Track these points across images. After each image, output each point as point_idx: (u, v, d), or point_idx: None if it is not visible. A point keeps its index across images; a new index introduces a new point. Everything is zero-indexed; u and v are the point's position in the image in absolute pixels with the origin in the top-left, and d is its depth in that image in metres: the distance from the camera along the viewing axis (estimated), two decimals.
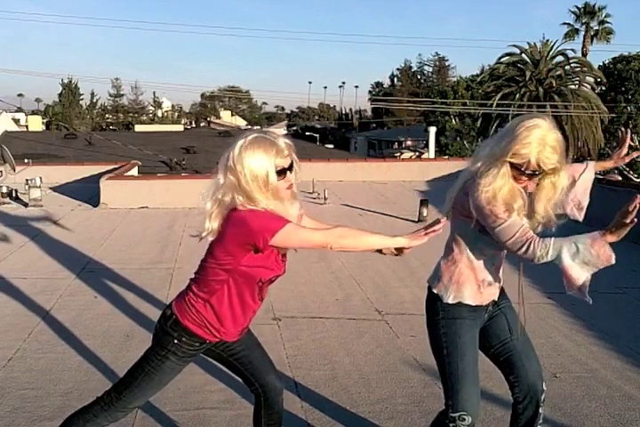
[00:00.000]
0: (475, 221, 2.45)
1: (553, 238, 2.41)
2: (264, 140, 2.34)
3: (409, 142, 44.69)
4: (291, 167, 2.41)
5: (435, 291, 2.59)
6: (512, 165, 2.37)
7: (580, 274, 2.37)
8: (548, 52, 30.88)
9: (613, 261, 2.40)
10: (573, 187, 2.71)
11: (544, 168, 2.36)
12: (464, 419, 2.50)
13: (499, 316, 2.69)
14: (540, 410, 2.64)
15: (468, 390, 2.52)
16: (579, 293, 2.37)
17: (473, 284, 2.56)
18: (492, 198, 2.37)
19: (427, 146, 27.67)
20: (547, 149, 2.32)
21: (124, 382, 2.49)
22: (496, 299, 2.67)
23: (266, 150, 2.31)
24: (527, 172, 2.36)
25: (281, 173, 2.35)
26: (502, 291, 2.76)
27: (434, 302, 2.60)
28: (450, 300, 2.55)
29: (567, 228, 2.66)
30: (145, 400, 2.57)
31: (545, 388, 2.67)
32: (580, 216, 2.83)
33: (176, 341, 2.41)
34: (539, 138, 2.32)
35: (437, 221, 2.41)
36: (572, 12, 41.87)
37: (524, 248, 2.40)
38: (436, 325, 2.58)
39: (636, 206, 2.28)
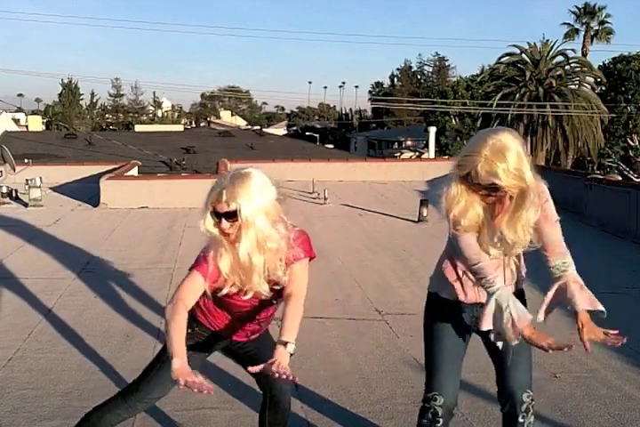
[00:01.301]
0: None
1: (502, 286, 2.42)
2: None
3: (409, 142, 44.68)
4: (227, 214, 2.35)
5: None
6: (462, 177, 2.36)
7: (489, 323, 2.40)
8: (548, 52, 30.88)
9: (516, 342, 2.43)
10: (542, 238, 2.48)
11: (480, 182, 2.30)
12: (436, 399, 2.56)
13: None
14: (521, 419, 2.56)
15: (443, 375, 2.58)
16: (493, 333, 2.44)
17: (453, 280, 2.59)
18: (447, 208, 2.41)
19: (427, 146, 27.65)
20: (488, 163, 2.26)
21: (144, 373, 2.61)
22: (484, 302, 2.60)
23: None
24: (479, 184, 2.31)
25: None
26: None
27: (428, 293, 2.74)
28: (431, 289, 2.69)
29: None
30: (164, 392, 2.60)
31: (527, 399, 2.57)
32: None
33: (189, 330, 2.48)
34: (482, 150, 2.27)
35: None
36: (572, 12, 41.89)
37: (474, 269, 2.43)
38: (424, 313, 2.72)
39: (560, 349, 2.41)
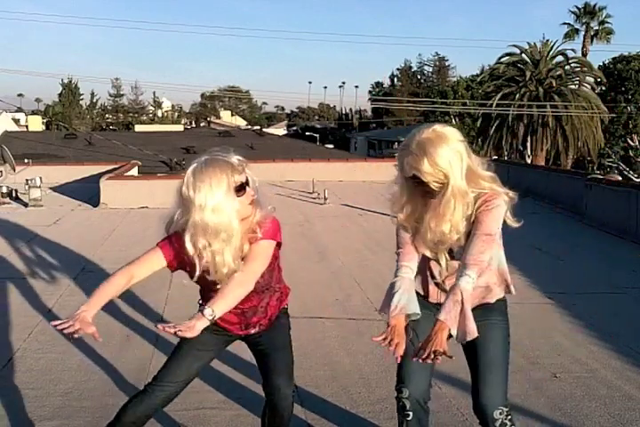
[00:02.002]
0: None
1: (404, 276, 2.51)
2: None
3: None
4: None
5: None
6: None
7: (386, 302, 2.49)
8: (548, 52, 30.88)
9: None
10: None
11: (405, 175, 2.37)
12: (402, 391, 2.60)
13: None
14: None
15: (407, 368, 2.58)
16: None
17: (424, 276, 2.64)
18: (391, 203, 2.54)
19: None
20: (413, 157, 2.31)
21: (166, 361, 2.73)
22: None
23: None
24: (411, 178, 2.37)
25: None
26: (487, 308, 2.62)
27: None
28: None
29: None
30: (175, 376, 2.68)
31: (499, 416, 2.51)
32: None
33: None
34: (411, 144, 2.34)
35: None
36: (572, 12, 41.93)
37: (396, 255, 2.57)
38: None
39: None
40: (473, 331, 2.33)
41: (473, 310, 2.43)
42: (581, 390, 3.87)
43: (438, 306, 2.48)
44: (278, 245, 2.56)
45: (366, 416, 3.51)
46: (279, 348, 2.70)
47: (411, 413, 2.60)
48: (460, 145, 2.38)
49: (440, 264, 2.56)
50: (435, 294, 2.63)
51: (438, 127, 2.40)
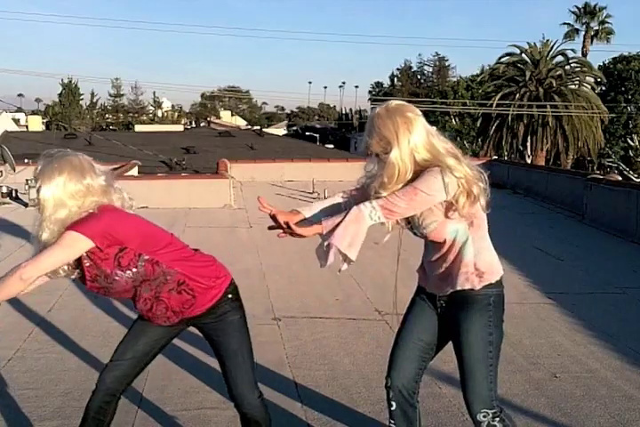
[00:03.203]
0: None
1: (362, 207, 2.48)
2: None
3: None
4: None
5: None
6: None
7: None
8: (548, 52, 30.87)
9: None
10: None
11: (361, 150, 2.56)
12: (386, 380, 2.67)
13: (453, 322, 2.58)
14: None
15: (393, 358, 2.68)
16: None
17: (420, 267, 2.75)
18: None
19: None
20: (365, 131, 2.51)
21: None
22: (438, 293, 2.61)
23: None
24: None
25: None
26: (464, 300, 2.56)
27: None
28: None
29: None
30: (124, 354, 2.68)
31: (483, 419, 2.49)
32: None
33: None
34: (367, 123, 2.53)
35: None
36: (572, 12, 41.94)
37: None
38: None
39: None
40: (337, 239, 2.40)
41: (448, 297, 2.56)
42: (581, 390, 3.87)
43: (443, 297, 2.58)
44: (111, 239, 2.44)
45: (366, 416, 3.51)
46: (232, 355, 2.65)
47: (394, 403, 2.64)
48: (411, 117, 2.43)
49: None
50: (433, 285, 2.66)
51: (393, 104, 2.50)
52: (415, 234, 2.58)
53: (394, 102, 2.51)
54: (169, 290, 2.55)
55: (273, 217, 2.52)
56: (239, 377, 2.65)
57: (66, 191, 2.41)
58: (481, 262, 2.51)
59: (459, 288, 2.52)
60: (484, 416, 2.50)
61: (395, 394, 2.63)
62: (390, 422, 2.69)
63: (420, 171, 2.42)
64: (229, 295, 2.66)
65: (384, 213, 2.41)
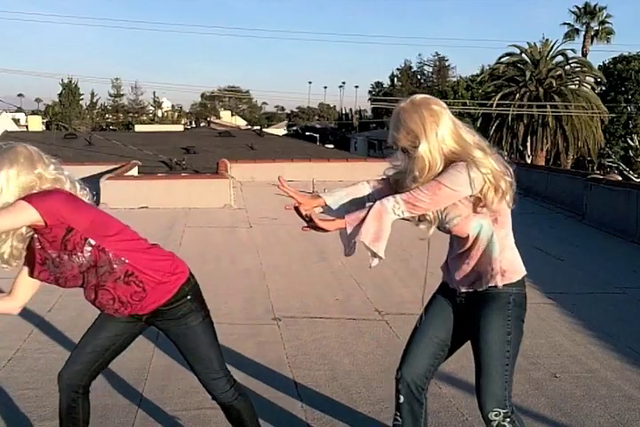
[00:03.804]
0: None
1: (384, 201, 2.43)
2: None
3: None
4: None
5: None
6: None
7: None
8: (548, 52, 30.91)
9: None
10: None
11: (389, 144, 2.53)
12: (397, 373, 2.68)
13: (470, 321, 2.57)
14: None
15: (406, 353, 2.69)
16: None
17: (444, 263, 2.71)
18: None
19: None
20: (390, 124, 2.50)
21: None
22: (459, 289, 2.59)
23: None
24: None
25: None
26: (482, 297, 2.55)
27: None
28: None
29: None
30: (83, 348, 2.77)
31: (495, 418, 2.49)
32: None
33: None
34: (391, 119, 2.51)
35: None
36: (572, 12, 41.94)
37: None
38: None
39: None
40: (363, 235, 2.36)
41: (468, 294, 2.55)
42: (581, 390, 3.87)
43: (462, 294, 2.57)
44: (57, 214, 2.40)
45: (366, 416, 3.50)
46: (201, 358, 2.65)
47: (402, 396, 2.64)
48: (437, 110, 2.43)
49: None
50: (446, 276, 2.67)
51: (418, 97, 2.49)
52: (439, 228, 2.55)
53: (419, 96, 2.50)
54: (115, 279, 2.51)
55: (296, 209, 2.48)
56: (205, 367, 2.67)
57: (19, 183, 2.40)
58: (504, 260, 2.51)
59: (481, 286, 2.52)
60: (496, 415, 2.49)
61: (403, 387, 2.63)
62: (396, 415, 2.69)
63: (449, 163, 2.41)
64: (188, 296, 2.60)
65: (407, 208, 2.38)
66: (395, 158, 2.58)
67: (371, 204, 2.41)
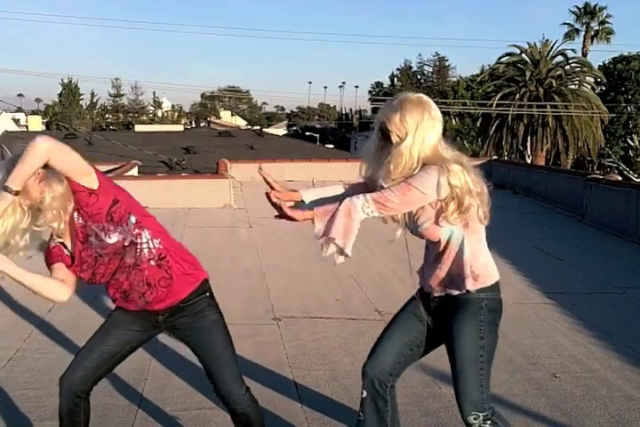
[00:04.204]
0: None
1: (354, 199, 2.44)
2: None
3: None
4: None
5: None
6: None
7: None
8: (548, 52, 30.90)
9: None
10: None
11: (375, 123, 2.53)
12: (364, 371, 2.69)
13: (443, 326, 2.58)
14: None
15: (374, 348, 2.71)
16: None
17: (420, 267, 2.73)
18: None
19: None
20: (388, 106, 2.49)
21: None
22: (433, 293, 2.60)
23: None
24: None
25: None
26: (455, 303, 2.56)
27: None
28: None
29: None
30: (90, 353, 2.64)
31: (474, 421, 2.48)
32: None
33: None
34: (393, 99, 2.50)
35: None
36: (572, 12, 41.94)
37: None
38: None
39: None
40: (333, 231, 2.36)
41: (441, 298, 2.57)
42: (581, 390, 3.87)
43: (435, 299, 2.60)
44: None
45: None
46: (218, 354, 2.61)
47: (364, 391, 2.66)
48: (436, 120, 2.44)
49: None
50: (421, 280, 2.71)
51: (425, 97, 2.49)
52: (412, 232, 2.57)
53: (426, 97, 2.50)
54: (149, 260, 2.48)
55: (267, 195, 2.49)
56: (226, 374, 2.62)
57: None
58: (476, 265, 2.49)
59: (453, 290, 2.52)
60: (475, 419, 2.48)
61: (367, 383, 2.64)
62: (359, 411, 2.69)
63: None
64: (207, 293, 2.62)
65: (377, 208, 2.38)
66: (369, 143, 2.56)
67: (341, 201, 2.40)
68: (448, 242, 2.50)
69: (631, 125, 34.53)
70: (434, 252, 2.57)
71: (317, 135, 51.66)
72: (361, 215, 2.38)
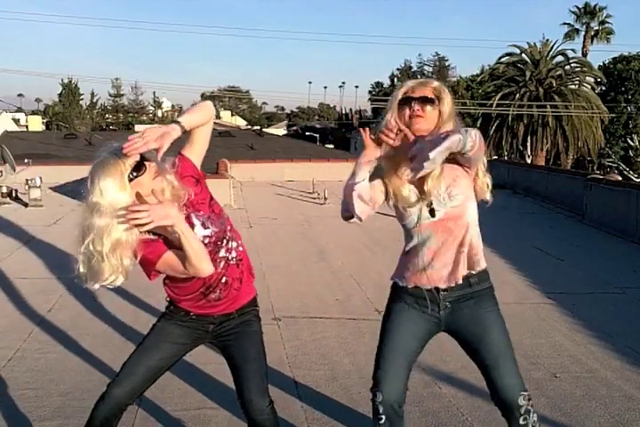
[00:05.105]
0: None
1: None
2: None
3: None
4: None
5: None
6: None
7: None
8: (548, 52, 30.91)
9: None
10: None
11: (415, 90, 2.55)
12: (376, 395, 2.57)
13: (470, 320, 2.55)
14: (522, 421, 2.52)
15: (384, 370, 2.59)
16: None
17: (404, 265, 2.60)
18: None
19: None
20: (437, 82, 2.58)
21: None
22: (441, 286, 2.51)
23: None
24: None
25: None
26: (483, 294, 2.56)
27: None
28: (392, 277, 2.66)
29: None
30: (137, 367, 2.56)
31: (524, 402, 2.52)
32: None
33: (167, 310, 2.65)
34: (428, 79, 2.62)
35: None
36: (572, 12, 41.91)
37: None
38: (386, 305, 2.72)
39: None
40: (429, 158, 2.23)
41: (455, 298, 2.51)
42: (581, 390, 3.87)
43: (423, 299, 2.53)
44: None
45: (366, 416, 3.50)
46: (252, 359, 2.61)
47: (383, 416, 2.57)
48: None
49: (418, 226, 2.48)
50: (414, 278, 2.55)
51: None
52: (432, 213, 2.45)
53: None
54: (233, 257, 2.51)
55: (363, 132, 2.42)
56: (253, 382, 2.60)
57: None
58: (480, 246, 2.54)
59: (471, 271, 2.49)
60: (524, 399, 2.52)
61: (385, 409, 2.56)
62: None
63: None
64: (258, 306, 2.67)
65: (471, 139, 2.30)
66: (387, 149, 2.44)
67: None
68: (468, 222, 2.48)
69: (631, 125, 34.51)
70: (443, 237, 2.47)
71: (317, 135, 51.63)
72: (462, 135, 2.28)
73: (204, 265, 2.31)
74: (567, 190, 10.77)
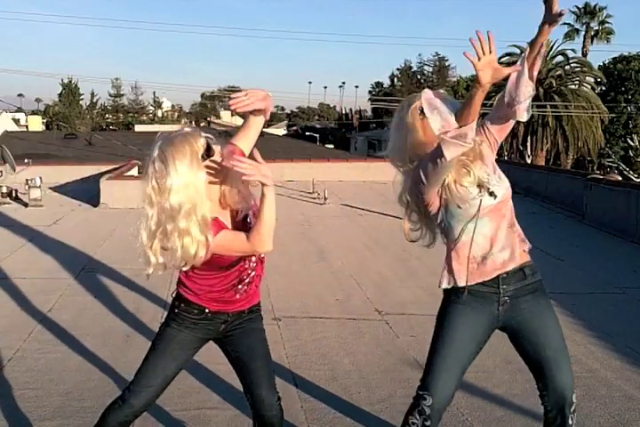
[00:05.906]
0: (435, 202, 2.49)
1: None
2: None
3: None
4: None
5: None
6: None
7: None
8: (548, 52, 30.87)
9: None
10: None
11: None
12: (425, 398, 2.50)
13: (529, 317, 2.57)
14: (570, 421, 2.50)
15: (438, 373, 2.50)
16: None
17: (459, 263, 2.50)
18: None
19: None
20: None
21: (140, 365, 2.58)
22: (507, 270, 2.50)
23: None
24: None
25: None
26: (538, 289, 2.68)
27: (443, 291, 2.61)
28: (443, 285, 2.54)
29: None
30: (154, 379, 2.52)
31: (575, 400, 2.51)
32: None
33: (177, 309, 2.54)
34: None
35: None
36: (573, 12, 41.86)
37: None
38: (439, 309, 2.61)
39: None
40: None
41: (513, 292, 2.56)
42: (581, 390, 3.86)
43: (494, 296, 2.52)
44: None
45: (366, 416, 3.50)
46: (258, 357, 2.60)
47: (429, 421, 2.52)
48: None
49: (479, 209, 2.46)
50: (477, 273, 2.49)
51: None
52: (492, 194, 2.51)
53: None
54: (260, 259, 2.59)
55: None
56: (263, 378, 2.59)
57: None
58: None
59: (524, 260, 2.56)
60: (576, 397, 2.53)
61: (432, 413, 2.51)
62: None
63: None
64: (261, 307, 2.72)
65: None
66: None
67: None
68: (511, 203, 2.60)
69: (631, 125, 34.52)
70: (495, 222, 2.50)
71: (317, 135, 51.66)
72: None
73: (270, 239, 2.34)
74: (567, 190, 10.76)
